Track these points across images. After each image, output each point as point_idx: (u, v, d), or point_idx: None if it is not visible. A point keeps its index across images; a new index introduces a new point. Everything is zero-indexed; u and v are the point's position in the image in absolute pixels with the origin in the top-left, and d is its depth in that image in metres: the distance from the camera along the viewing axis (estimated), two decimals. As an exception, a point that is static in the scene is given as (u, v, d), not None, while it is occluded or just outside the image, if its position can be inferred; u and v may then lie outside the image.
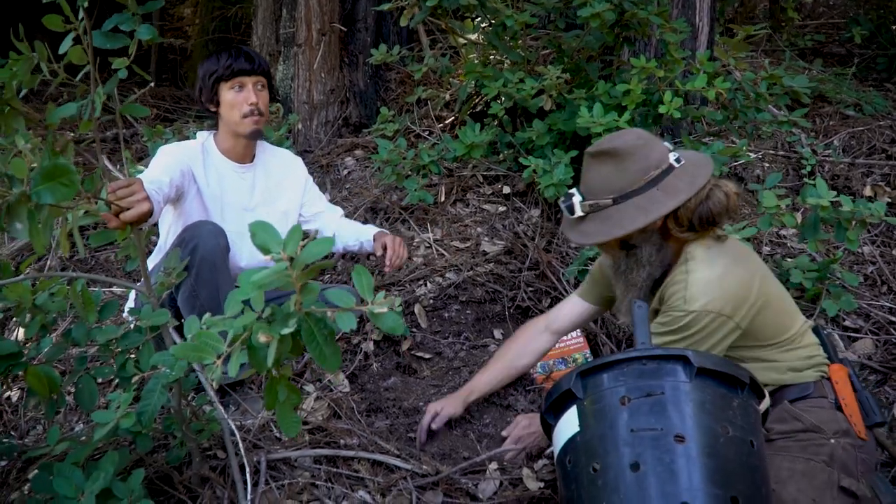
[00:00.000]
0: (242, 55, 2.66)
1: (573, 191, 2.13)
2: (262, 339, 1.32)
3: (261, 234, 1.30)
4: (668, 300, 2.05)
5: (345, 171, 4.25)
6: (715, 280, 1.99)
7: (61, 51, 1.60)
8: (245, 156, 2.80)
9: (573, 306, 2.60)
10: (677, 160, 2.05)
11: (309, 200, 2.95)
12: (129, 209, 1.84)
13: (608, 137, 2.11)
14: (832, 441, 1.97)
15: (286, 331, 1.32)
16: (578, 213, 2.10)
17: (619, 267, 2.18)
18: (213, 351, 1.38)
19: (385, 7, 3.43)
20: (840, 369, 2.12)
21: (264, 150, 2.90)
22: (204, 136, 2.77)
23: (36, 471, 1.80)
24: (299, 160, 3.03)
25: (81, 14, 1.58)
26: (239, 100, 2.64)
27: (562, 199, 2.15)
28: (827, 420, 2.01)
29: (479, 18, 3.63)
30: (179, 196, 2.57)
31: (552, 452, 2.06)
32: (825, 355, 2.16)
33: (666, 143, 2.10)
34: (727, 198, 2.05)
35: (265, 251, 1.28)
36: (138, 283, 1.95)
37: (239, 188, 2.77)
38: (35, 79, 1.57)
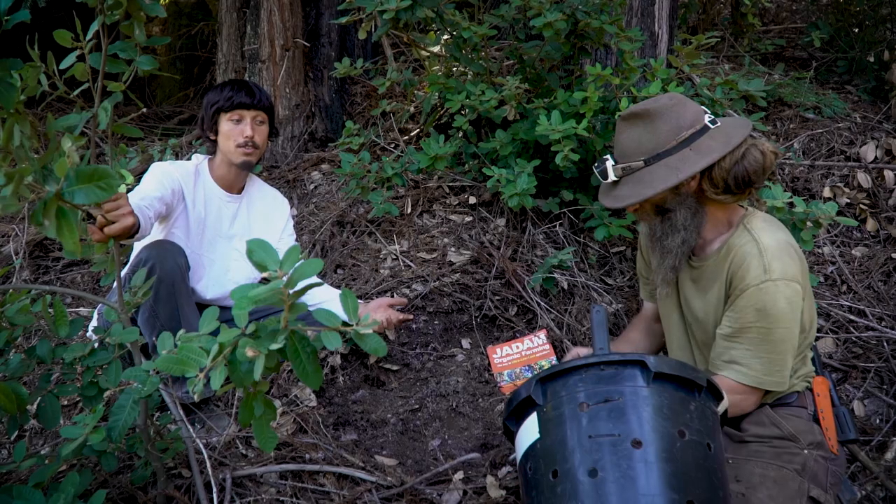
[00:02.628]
0: (244, 89, 2.74)
1: (606, 156, 2.10)
2: (249, 353, 1.34)
3: (258, 251, 1.31)
4: (739, 272, 1.98)
5: (311, 186, 4.25)
6: (784, 247, 1.97)
7: (62, 66, 1.66)
8: (234, 186, 2.86)
9: (647, 308, 2.59)
10: (712, 121, 2.02)
11: (281, 240, 2.97)
12: (113, 223, 1.85)
13: (642, 101, 2.09)
14: (806, 452, 1.98)
15: (274, 346, 1.35)
16: (612, 177, 2.07)
17: (655, 233, 2.14)
18: (195, 364, 1.40)
19: (343, 21, 3.45)
20: (823, 382, 2.13)
21: (254, 184, 2.97)
22: (199, 160, 2.83)
23: (-1, 494, 1.79)
24: (285, 202, 3.08)
25: (90, 34, 1.64)
26: (235, 132, 2.72)
27: (595, 164, 2.12)
28: (803, 430, 2.02)
29: (441, 31, 3.65)
30: (168, 213, 2.61)
31: (515, 459, 2.08)
32: (813, 367, 2.18)
33: (703, 106, 2.08)
34: (763, 156, 1.99)
35: (262, 268, 1.29)
36: (112, 300, 1.95)
37: (222, 215, 2.82)
38: (36, 87, 1.61)
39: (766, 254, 1.94)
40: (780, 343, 1.95)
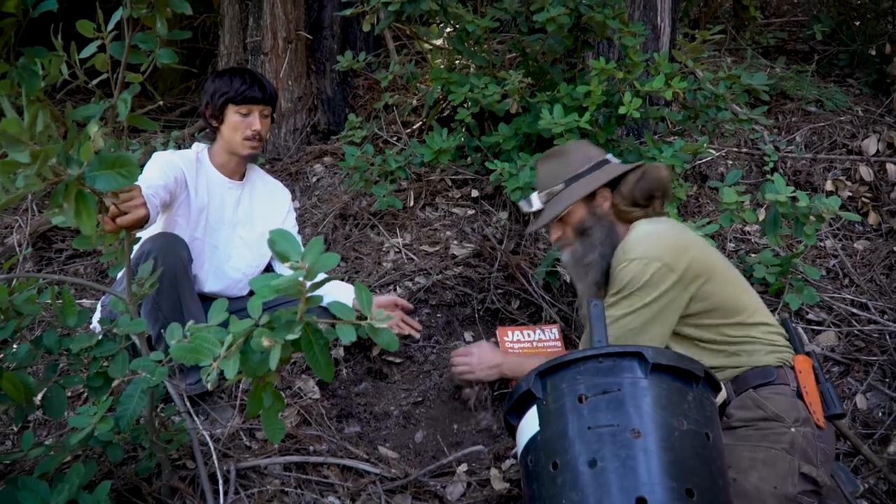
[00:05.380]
0: (257, 83, 2.73)
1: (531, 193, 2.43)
2: (265, 343, 1.35)
3: (281, 241, 1.33)
4: (614, 266, 2.23)
5: (314, 179, 4.25)
6: (653, 233, 2.19)
7: (83, 55, 1.67)
8: (236, 172, 2.87)
9: None
10: (612, 158, 2.41)
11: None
12: (126, 213, 1.85)
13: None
14: (792, 429, 2.01)
15: (291, 337, 1.36)
16: (537, 205, 2.39)
17: (576, 255, 2.35)
18: (209, 353, 1.40)
19: (347, 13, 3.44)
20: (805, 360, 2.17)
21: (254, 171, 2.98)
22: (199, 148, 2.83)
23: (4, 485, 1.80)
24: (287, 192, 3.09)
25: (111, 25, 1.66)
26: (243, 124, 2.72)
27: (522, 202, 2.46)
28: (787, 408, 2.05)
29: (444, 24, 3.64)
30: (172, 201, 2.61)
31: (517, 452, 2.09)
32: (789, 346, 2.21)
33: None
34: (659, 171, 2.29)
35: (284, 259, 1.31)
36: (119, 289, 1.96)
37: (225, 201, 2.82)
38: (57, 76, 1.62)
39: (628, 242, 2.18)
40: (639, 313, 2.13)
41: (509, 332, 3.03)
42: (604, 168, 2.34)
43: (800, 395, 2.10)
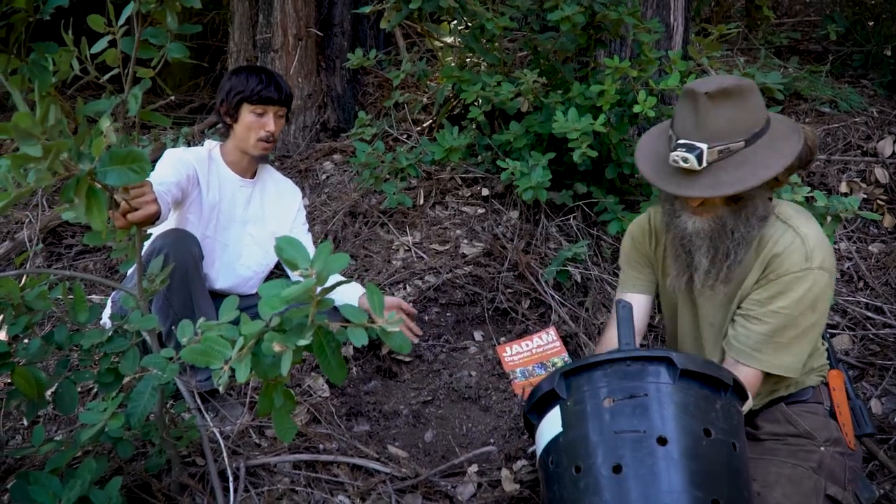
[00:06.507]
0: (273, 83, 2.70)
1: (683, 140, 1.82)
2: (276, 348, 1.33)
3: (288, 249, 1.31)
4: (778, 259, 1.89)
5: (323, 176, 4.24)
6: (823, 237, 1.89)
7: (94, 50, 1.65)
8: (247, 171, 2.85)
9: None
10: None
11: (293, 229, 2.96)
12: (137, 209, 1.84)
13: (710, 80, 1.85)
14: (822, 449, 1.96)
15: (302, 342, 1.34)
16: (705, 162, 1.79)
17: (723, 223, 1.90)
18: (220, 355, 1.39)
19: (366, 10, 3.43)
20: (838, 375, 2.11)
21: (266, 170, 2.97)
22: (211, 145, 2.82)
23: (15, 480, 1.79)
24: (297, 191, 3.07)
25: (122, 20, 1.64)
26: (257, 124, 2.70)
27: (678, 152, 1.81)
28: (819, 427, 2.00)
29: (456, 21, 3.63)
30: (183, 198, 2.60)
31: (533, 452, 2.07)
32: (827, 361, 2.15)
33: None
34: (814, 135, 1.98)
35: (293, 267, 1.29)
36: (130, 285, 1.95)
37: (236, 199, 2.81)
38: (68, 71, 1.62)
39: (808, 242, 1.86)
40: (807, 330, 1.90)
41: (507, 348, 3.03)
42: (776, 126, 1.86)
43: (833, 415, 2.05)
